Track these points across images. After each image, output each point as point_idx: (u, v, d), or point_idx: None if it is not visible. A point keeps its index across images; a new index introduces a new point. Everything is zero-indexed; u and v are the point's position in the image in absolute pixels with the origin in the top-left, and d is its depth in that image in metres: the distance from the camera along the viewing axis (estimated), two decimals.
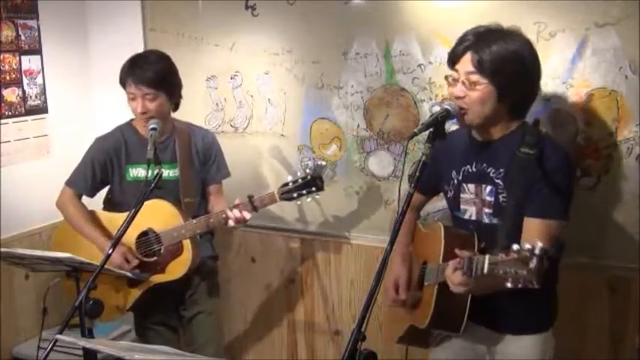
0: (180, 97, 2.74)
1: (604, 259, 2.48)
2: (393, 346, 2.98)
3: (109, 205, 2.83)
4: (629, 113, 2.38)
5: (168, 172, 2.69)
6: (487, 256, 1.66)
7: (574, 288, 2.48)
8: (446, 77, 2.03)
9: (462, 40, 1.99)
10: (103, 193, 2.86)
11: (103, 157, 2.73)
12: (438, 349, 2.29)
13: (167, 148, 2.72)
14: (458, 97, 1.97)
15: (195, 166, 2.76)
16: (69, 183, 2.79)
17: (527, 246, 1.54)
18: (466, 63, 1.95)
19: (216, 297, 2.92)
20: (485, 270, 1.66)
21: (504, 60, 1.91)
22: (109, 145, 2.75)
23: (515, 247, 1.57)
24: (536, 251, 1.51)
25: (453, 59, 2.01)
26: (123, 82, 2.63)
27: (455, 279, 1.83)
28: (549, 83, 2.46)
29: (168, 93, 2.63)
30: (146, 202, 2.45)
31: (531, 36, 2.40)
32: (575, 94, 2.45)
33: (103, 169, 2.75)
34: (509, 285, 1.57)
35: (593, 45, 2.39)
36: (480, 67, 1.92)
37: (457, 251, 1.87)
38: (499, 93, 1.93)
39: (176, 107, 2.75)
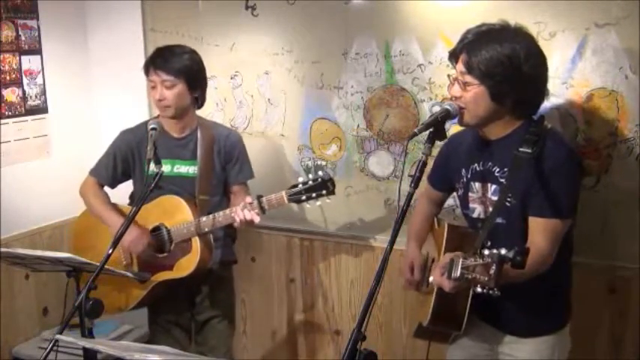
0: (204, 93, 2.72)
1: (604, 259, 2.48)
2: (393, 345, 2.99)
3: (133, 198, 2.84)
4: (629, 113, 2.38)
5: (187, 169, 2.69)
6: (461, 260, 1.65)
7: (574, 288, 2.47)
8: (448, 76, 2.04)
9: (461, 39, 1.99)
10: (124, 187, 2.86)
11: (125, 149, 2.75)
12: (454, 346, 2.29)
13: (189, 144, 2.71)
14: (455, 97, 1.97)
15: (216, 165, 2.73)
16: (92, 172, 2.81)
17: (487, 252, 1.55)
18: (460, 64, 1.96)
19: (231, 302, 2.92)
20: (458, 274, 1.65)
21: (493, 63, 1.88)
22: (132, 138, 2.75)
23: (486, 252, 1.57)
24: (496, 258, 1.52)
25: (454, 58, 2.01)
26: (146, 71, 2.64)
27: (439, 281, 1.82)
28: (549, 83, 2.45)
29: (188, 83, 2.61)
30: (160, 197, 2.46)
31: None
32: (575, 94, 2.45)
33: (125, 161, 2.76)
34: (478, 290, 1.58)
35: (593, 45, 2.39)
36: (470, 68, 1.92)
37: (447, 254, 1.87)
38: (492, 94, 1.92)
39: (201, 104, 2.74)
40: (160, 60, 2.59)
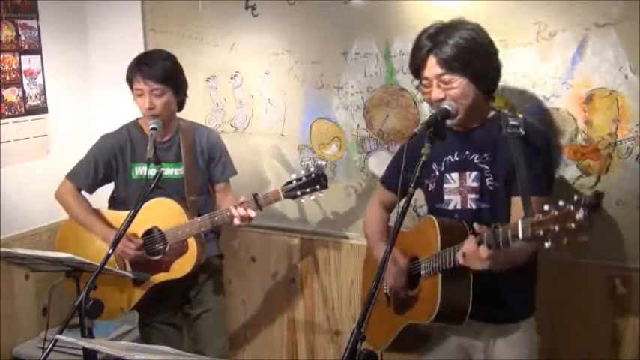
0: (185, 96, 2.75)
1: (604, 259, 2.48)
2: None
3: (114, 203, 2.84)
4: (629, 113, 2.38)
5: (172, 171, 2.70)
6: (520, 221, 1.63)
7: (574, 288, 2.48)
8: (417, 87, 2.07)
9: (418, 46, 2.04)
10: (107, 191, 2.86)
11: (107, 154, 2.74)
12: (431, 346, 2.28)
13: (172, 147, 2.72)
14: (439, 100, 2.00)
15: (200, 165, 2.76)
16: (70, 176, 2.79)
17: (560, 203, 1.52)
18: (432, 66, 1.99)
19: (221, 295, 2.92)
20: (521, 235, 1.62)
21: (466, 50, 1.96)
22: (114, 142, 2.75)
23: (560, 202, 1.53)
24: (585, 200, 1.47)
25: (417, 67, 2.05)
26: (130, 79, 2.64)
27: (481, 253, 1.79)
28: (549, 83, 2.46)
29: (174, 90, 2.64)
30: (151, 201, 2.46)
31: (531, 36, 2.42)
32: (575, 94, 2.45)
33: (107, 166, 2.75)
34: (547, 245, 1.53)
35: (593, 45, 2.38)
36: (448, 65, 1.96)
37: (476, 226, 1.83)
38: (474, 80, 1.98)
39: (180, 107, 2.76)
40: (146, 68, 2.59)
